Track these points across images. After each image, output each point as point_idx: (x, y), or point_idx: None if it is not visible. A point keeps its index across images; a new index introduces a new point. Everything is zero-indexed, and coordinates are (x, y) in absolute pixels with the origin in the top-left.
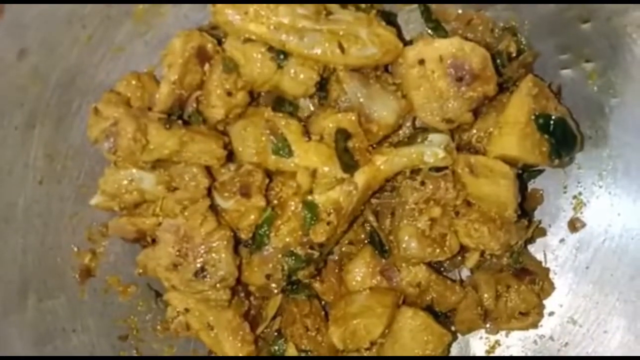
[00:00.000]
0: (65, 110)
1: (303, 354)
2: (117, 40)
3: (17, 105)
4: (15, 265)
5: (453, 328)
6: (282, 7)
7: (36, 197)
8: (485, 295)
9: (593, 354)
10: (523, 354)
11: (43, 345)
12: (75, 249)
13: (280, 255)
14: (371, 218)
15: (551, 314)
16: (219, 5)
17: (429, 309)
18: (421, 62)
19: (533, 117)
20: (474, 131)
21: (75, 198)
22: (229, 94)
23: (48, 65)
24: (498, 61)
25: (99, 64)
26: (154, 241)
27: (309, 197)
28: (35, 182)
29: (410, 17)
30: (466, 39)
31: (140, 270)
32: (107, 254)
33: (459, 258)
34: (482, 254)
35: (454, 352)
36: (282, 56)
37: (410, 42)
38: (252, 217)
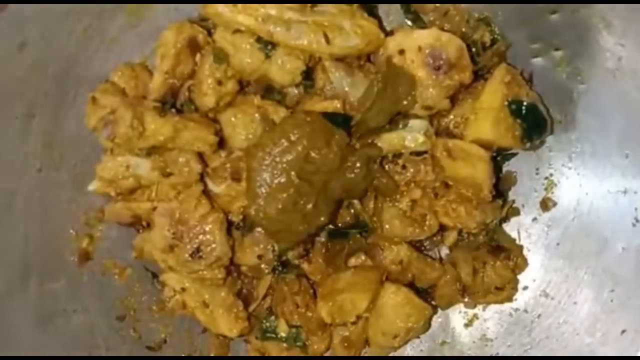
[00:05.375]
0: (62, 100)
1: (293, 330)
2: (111, 32)
3: (17, 95)
4: (18, 249)
5: (433, 303)
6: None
7: (36, 184)
8: (463, 272)
9: (564, 324)
10: (500, 326)
11: (45, 325)
12: (74, 234)
13: None
14: (356, 201)
15: (525, 288)
16: None
17: (411, 285)
18: (401, 52)
19: (506, 103)
20: (451, 117)
21: (72, 184)
22: (220, 82)
23: (46, 57)
24: (473, 50)
25: (94, 55)
26: (149, 225)
27: None
28: (35, 169)
29: (390, 9)
30: (443, 29)
31: (136, 254)
32: (104, 238)
33: (439, 237)
34: (460, 232)
35: (434, 325)
36: (269, 46)
37: (391, 33)
38: (243, 200)
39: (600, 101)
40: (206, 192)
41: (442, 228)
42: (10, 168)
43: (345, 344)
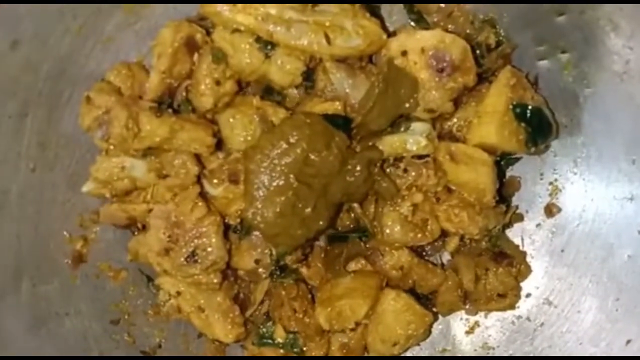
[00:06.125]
0: (56, 100)
1: (291, 336)
2: (107, 30)
3: (10, 94)
4: (10, 250)
5: (434, 309)
6: None
7: (29, 184)
8: (465, 278)
9: (567, 334)
10: (501, 334)
11: (37, 329)
12: (67, 235)
13: None
14: (356, 205)
15: (528, 295)
16: None
17: (411, 291)
18: (404, 53)
19: (511, 107)
20: (455, 120)
21: (67, 185)
22: (218, 83)
23: (40, 55)
24: (477, 52)
25: (90, 54)
26: (144, 227)
27: None
28: (28, 169)
29: (393, 9)
30: (447, 30)
31: (131, 257)
32: (98, 240)
33: (440, 242)
34: (462, 238)
35: (435, 332)
36: (269, 46)
37: (394, 34)
38: (241, 203)
39: (607, 105)
40: (203, 195)
41: (444, 233)
42: (3, 168)
43: (344, 351)
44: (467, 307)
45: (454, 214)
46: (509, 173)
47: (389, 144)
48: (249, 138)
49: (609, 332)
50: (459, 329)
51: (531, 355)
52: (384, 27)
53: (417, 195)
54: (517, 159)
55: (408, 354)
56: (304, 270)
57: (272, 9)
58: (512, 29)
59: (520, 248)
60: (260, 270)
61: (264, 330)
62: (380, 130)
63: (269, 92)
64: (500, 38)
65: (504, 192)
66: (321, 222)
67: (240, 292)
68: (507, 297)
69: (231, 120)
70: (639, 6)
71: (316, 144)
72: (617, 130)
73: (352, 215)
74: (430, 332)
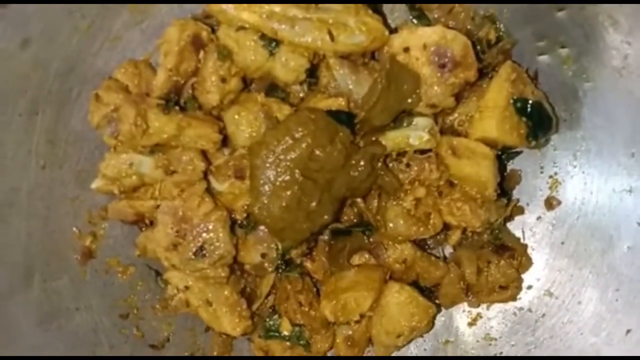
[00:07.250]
0: (65, 98)
1: (297, 328)
2: (115, 29)
3: (20, 92)
4: (20, 247)
5: (437, 302)
6: None
7: (39, 181)
8: (467, 271)
9: (568, 324)
10: (503, 326)
11: (48, 324)
12: (77, 232)
13: None
14: (359, 199)
15: (529, 287)
16: None
17: (415, 284)
18: (406, 49)
19: (511, 101)
20: (456, 115)
21: (76, 182)
22: (223, 80)
23: (49, 54)
24: (478, 48)
25: (98, 52)
26: (152, 223)
27: None
28: (38, 167)
29: (395, 6)
30: (448, 27)
31: (139, 253)
32: (107, 236)
33: (442, 236)
34: (464, 231)
35: (438, 324)
36: (273, 44)
37: (396, 30)
38: (247, 198)
39: (606, 99)
40: (209, 190)
41: (446, 227)
42: (14, 165)
43: (349, 343)
44: (470, 299)
45: (456, 208)
46: (510, 167)
47: (392, 139)
48: (254, 134)
49: (609, 322)
50: (462, 320)
51: (532, 346)
52: (386, 24)
53: (419, 190)
54: (518, 153)
55: (412, 345)
56: (308, 264)
57: (277, 6)
58: (512, 25)
59: (521, 240)
60: (266, 264)
61: (271, 323)
62: (383, 126)
63: (273, 88)
64: (501, 34)
65: (505, 185)
66: (326, 216)
67: (247, 286)
68: (509, 289)
69: (236, 117)
70: (638, 3)
71: (320, 140)
72: (616, 124)
73: (356, 209)
74: (433, 324)
